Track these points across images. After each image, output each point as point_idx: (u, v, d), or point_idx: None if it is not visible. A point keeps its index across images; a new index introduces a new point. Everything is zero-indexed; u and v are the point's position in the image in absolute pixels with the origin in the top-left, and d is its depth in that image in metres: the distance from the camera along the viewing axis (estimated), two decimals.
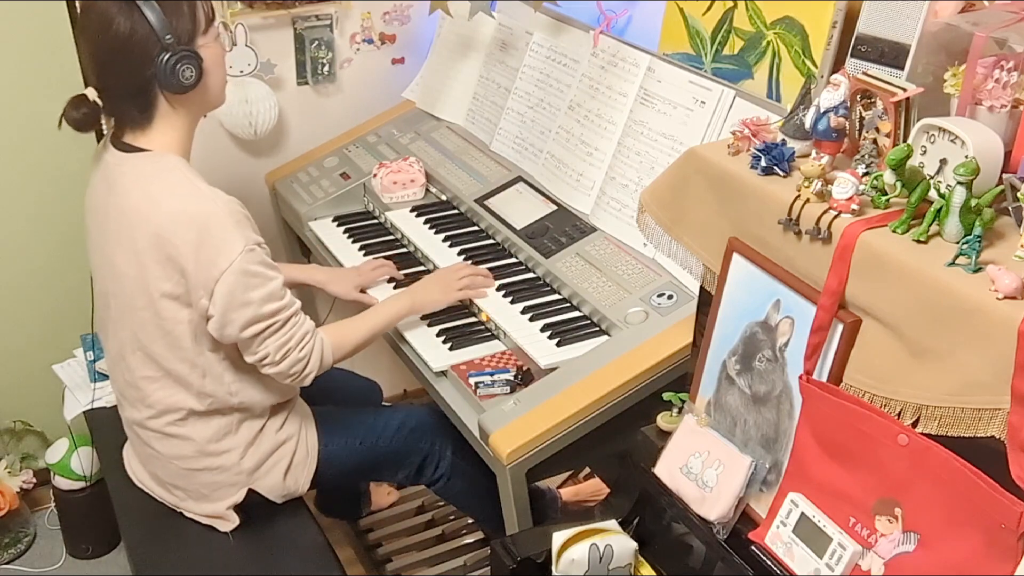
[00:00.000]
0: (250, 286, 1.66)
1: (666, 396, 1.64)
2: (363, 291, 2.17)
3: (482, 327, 2.02)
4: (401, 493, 2.72)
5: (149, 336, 1.76)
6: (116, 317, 1.81)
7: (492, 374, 1.84)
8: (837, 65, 1.72)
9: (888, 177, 1.26)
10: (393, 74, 2.82)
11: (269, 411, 1.89)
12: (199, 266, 1.65)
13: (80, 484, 2.59)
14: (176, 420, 1.82)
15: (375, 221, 2.48)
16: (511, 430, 1.69)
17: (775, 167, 1.41)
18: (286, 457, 1.91)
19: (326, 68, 2.69)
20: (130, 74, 1.67)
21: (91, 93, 1.72)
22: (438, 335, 2.00)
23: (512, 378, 1.82)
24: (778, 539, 1.34)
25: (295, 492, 1.94)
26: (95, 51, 1.69)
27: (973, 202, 1.18)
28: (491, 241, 2.28)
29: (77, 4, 1.65)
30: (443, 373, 1.92)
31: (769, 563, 1.35)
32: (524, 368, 1.86)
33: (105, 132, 1.83)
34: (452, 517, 2.65)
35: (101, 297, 1.85)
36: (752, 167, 1.43)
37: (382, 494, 2.69)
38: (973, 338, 1.11)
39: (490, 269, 2.14)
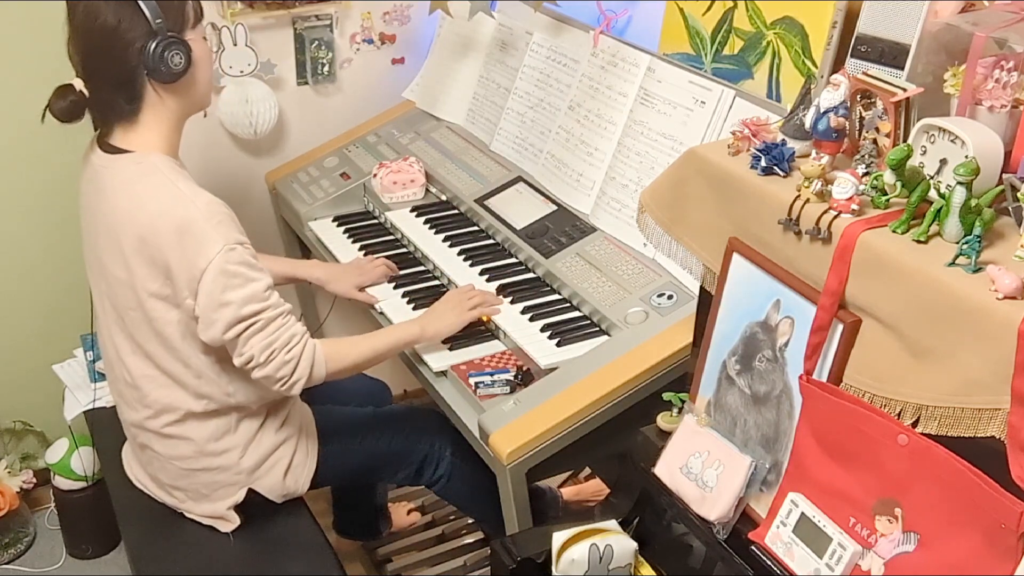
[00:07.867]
0: (229, 286, 1.64)
1: (666, 396, 1.64)
2: (362, 289, 2.17)
3: (482, 327, 2.02)
4: (400, 493, 2.71)
5: (143, 336, 1.76)
6: (111, 318, 1.81)
7: (492, 374, 1.84)
8: (837, 65, 1.72)
9: (888, 177, 1.26)
10: (393, 74, 2.82)
11: (268, 410, 1.89)
12: (181, 267, 1.65)
13: (80, 484, 2.59)
14: (174, 421, 1.82)
15: (375, 221, 2.48)
16: (511, 430, 1.69)
17: (775, 167, 1.41)
18: (286, 457, 1.91)
19: (326, 68, 2.69)
20: (118, 62, 1.67)
21: (77, 83, 1.72)
22: None
23: (512, 378, 1.82)
24: (778, 539, 1.34)
25: (295, 492, 1.94)
26: (82, 40, 1.68)
27: (973, 202, 1.18)
28: (491, 241, 2.28)
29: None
30: (443, 373, 1.92)
31: (769, 563, 1.35)
32: (524, 368, 1.86)
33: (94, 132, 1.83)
34: (452, 517, 2.65)
35: (96, 298, 1.85)
36: (752, 167, 1.43)
37: (402, 515, 2.65)
38: (973, 338, 1.11)
39: (490, 269, 2.14)
